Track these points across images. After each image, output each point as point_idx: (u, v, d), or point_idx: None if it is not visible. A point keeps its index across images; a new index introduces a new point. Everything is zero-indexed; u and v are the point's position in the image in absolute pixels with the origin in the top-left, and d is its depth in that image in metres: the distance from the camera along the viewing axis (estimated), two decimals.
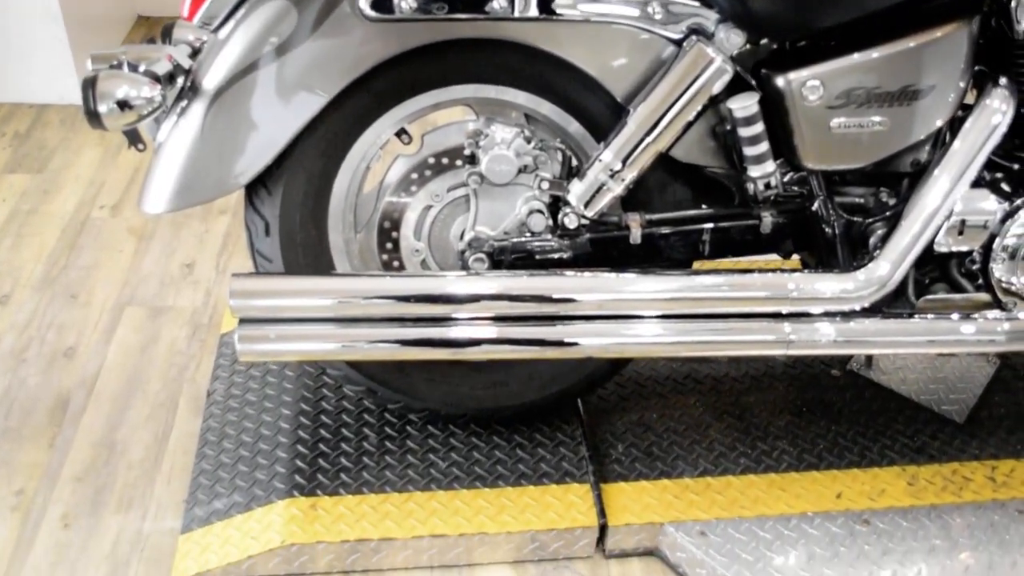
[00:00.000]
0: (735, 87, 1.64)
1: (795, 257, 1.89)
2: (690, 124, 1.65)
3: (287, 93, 1.60)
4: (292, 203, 1.70)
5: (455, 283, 1.66)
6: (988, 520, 1.85)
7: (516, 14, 1.59)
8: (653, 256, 1.75)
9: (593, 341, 1.69)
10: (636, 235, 1.72)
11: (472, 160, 1.71)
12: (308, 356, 1.79)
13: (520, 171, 1.70)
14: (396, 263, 1.82)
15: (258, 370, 2.13)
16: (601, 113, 1.70)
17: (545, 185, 1.71)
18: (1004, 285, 1.76)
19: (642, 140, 1.63)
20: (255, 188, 1.70)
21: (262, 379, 2.10)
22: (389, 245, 1.80)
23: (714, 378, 2.14)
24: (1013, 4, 1.63)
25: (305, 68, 1.58)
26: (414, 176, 1.77)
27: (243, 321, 1.63)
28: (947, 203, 1.68)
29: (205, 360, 2.28)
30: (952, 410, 2.09)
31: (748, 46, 1.64)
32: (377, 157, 1.76)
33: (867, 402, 2.10)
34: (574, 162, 1.78)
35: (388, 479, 1.86)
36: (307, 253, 1.75)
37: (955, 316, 1.77)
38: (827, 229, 1.75)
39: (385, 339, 1.67)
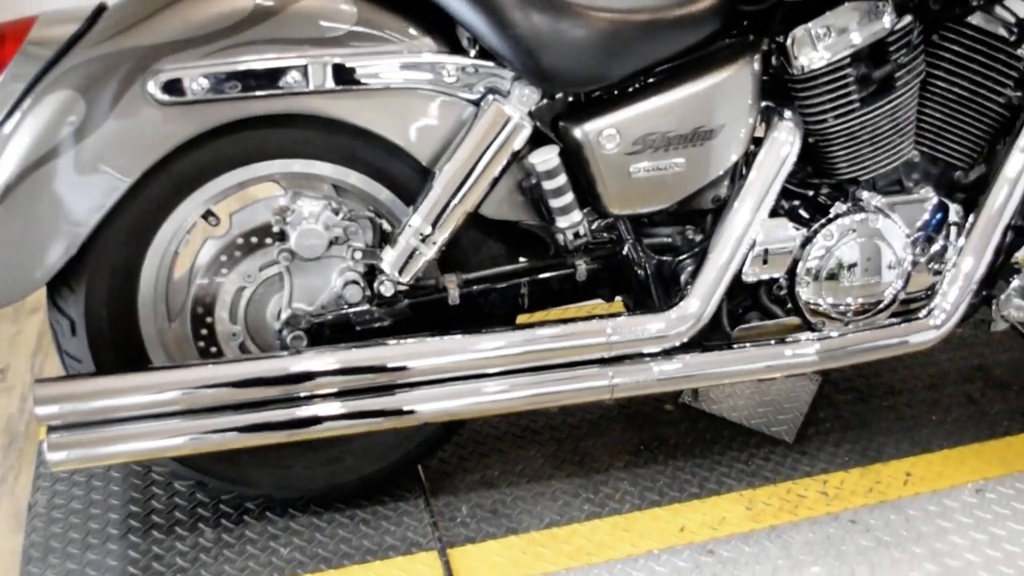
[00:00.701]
0: (537, 141, 1.67)
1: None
2: (496, 181, 1.67)
3: (82, 185, 1.54)
4: (97, 299, 1.64)
5: (277, 364, 1.63)
6: (824, 534, 1.92)
7: (311, 87, 1.57)
8: (474, 314, 1.76)
9: (423, 407, 1.68)
10: (454, 296, 1.72)
11: (281, 237, 1.69)
12: (128, 457, 1.72)
13: (331, 243, 1.68)
14: (214, 349, 1.76)
15: (82, 475, 2.02)
16: (409, 178, 1.70)
17: (358, 255, 1.69)
18: (811, 307, 1.84)
19: (449, 202, 1.64)
20: (56, 286, 1.63)
21: (87, 484, 2.00)
22: (204, 332, 1.75)
23: (552, 427, 2.15)
24: (788, 43, 1.72)
25: (99, 158, 1.53)
26: (224, 258, 1.72)
27: (52, 429, 1.55)
28: (749, 234, 1.75)
29: (24, 471, 2.15)
30: (782, 430, 2.16)
31: (545, 100, 1.67)
32: (185, 242, 1.71)
33: (701, 432, 2.15)
34: (387, 229, 1.77)
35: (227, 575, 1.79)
36: (118, 349, 1.68)
37: (770, 342, 1.84)
38: (639, 271, 1.79)
39: (209, 430, 1.62)
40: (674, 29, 1.65)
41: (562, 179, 1.66)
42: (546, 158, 1.64)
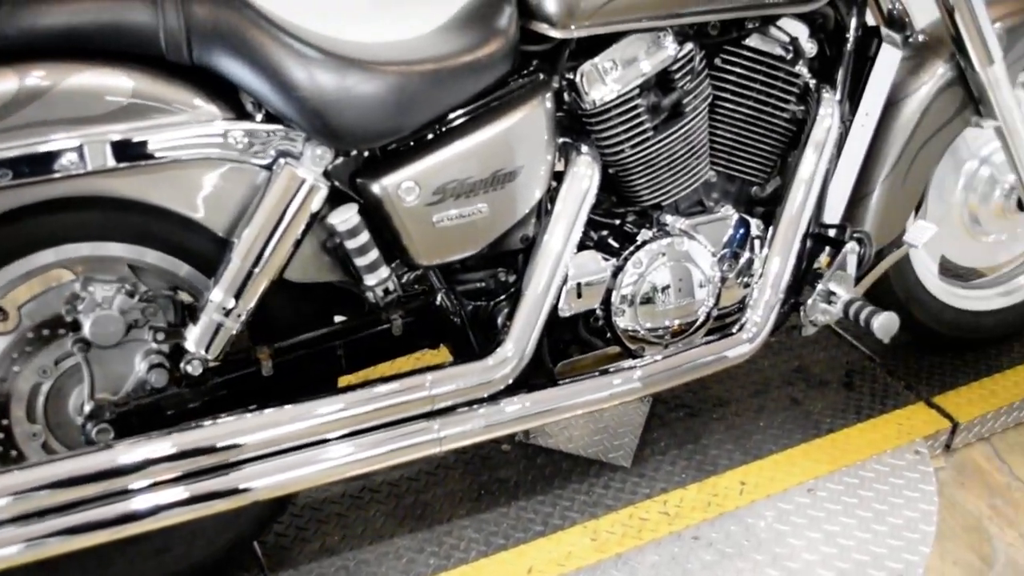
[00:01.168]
0: (337, 200, 1.63)
1: None
2: (298, 244, 1.62)
3: None
4: None
5: (85, 461, 1.54)
6: (669, 554, 1.94)
7: (91, 168, 1.49)
8: (293, 383, 1.70)
9: (250, 485, 1.62)
10: (268, 367, 1.66)
11: (75, 326, 1.59)
12: None
13: (130, 327, 1.60)
14: (14, 453, 1.65)
15: None
16: (208, 251, 1.64)
17: (160, 336, 1.62)
18: (630, 334, 1.86)
19: (250, 272, 1.59)
20: None
21: None
22: (1, 435, 1.63)
23: (390, 483, 2.11)
24: (578, 79, 1.74)
25: None
26: (16, 354, 1.62)
27: None
28: (559, 270, 1.75)
29: None
30: (619, 455, 2.18)
31: (340, 158, 1.63)
32: None
33: (540, 469, 2.15)
34: (192, 304, 1.70)
35: None
36: None
37: (594, 373, 1.85)
38: (456, 319, 1.78)
39: (17, 540, 1.51)
40: (461, 77, 1.64)
41: (365, 237, 1.63)
42: (345, 217, 1.61)
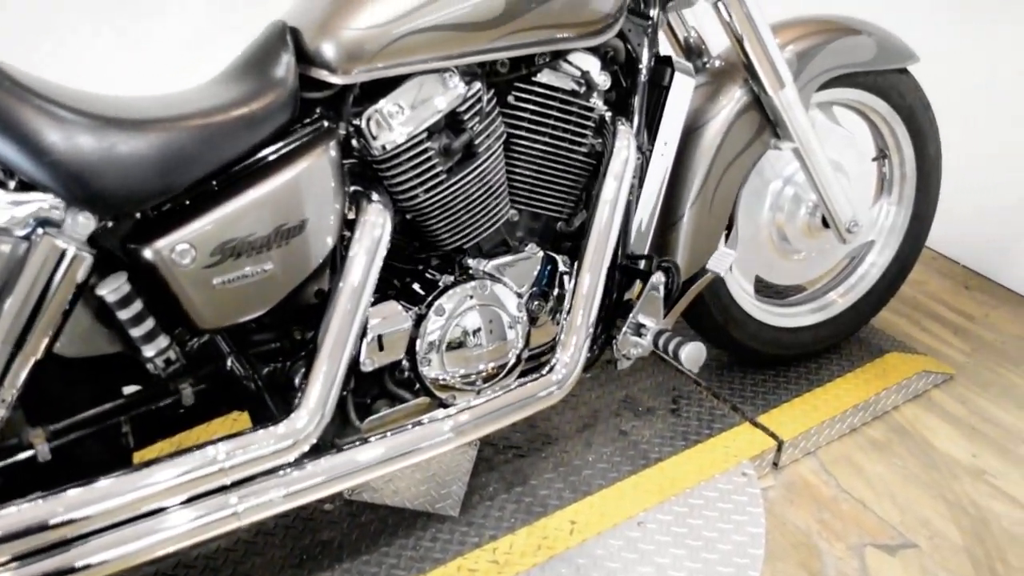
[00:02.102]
0: (108, 266, 1.53)
1: None
2: (67, 317, 1.51)
3: None
4: None
5: None
6: None
7: None
8: (78, 466, 1.58)
9: None
10: (44, 451, 1.54)
11: None
12: None
13: None
14: None
15: None
16: None
17: None
18: (438, 383, 1.81)
19: (13, 353, 1.46)
20: None
21: None
22: None
23: (206, 556, 2.00)
24: (363, 124, 1.68)
25: None
26: None
27: None
28: (357, 323, 1.68)
29: None
30: (446, 505, 2.12)
31: (108, 222, 1.53)
32: None
33: (365, 527, 2.07)
34: None
35: None
36: None
37: (405, 427, 1.78)
38: (250, 383, 1.69)
39: None
40: (234, 130, 1.56)
41: (138, 305, 1.53)
42: (115, 286, 1.50)
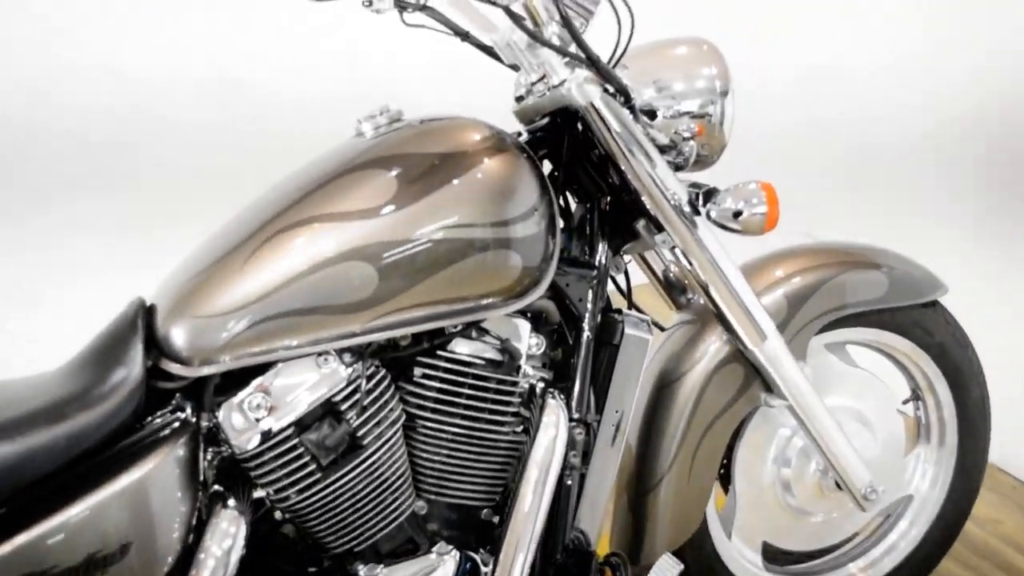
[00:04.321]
0: None
1: None
2: None
3: None
4: None
5: None
6: None
7: None
8: None
9: None
10: None
11: None
12: None
13: None
14: None
15: None
16: None
17: None
18: None
19: None
20: None
21: None
22: None
23: None
24: (221, 419, 1.46)
25: None
26: None
27: None
28: None
29: None
30: None
31: None
32: None
33: None
34: None
35: None
36: None
37: None
38: None
39: None
40: (52, 433, 1.35)
41: None
42: None
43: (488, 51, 1.80)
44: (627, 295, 1.87)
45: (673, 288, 2.00)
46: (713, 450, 1.89)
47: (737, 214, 1.65)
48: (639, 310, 1.89)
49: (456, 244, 1.50)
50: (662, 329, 2.00)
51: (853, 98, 6.37)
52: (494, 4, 1.54)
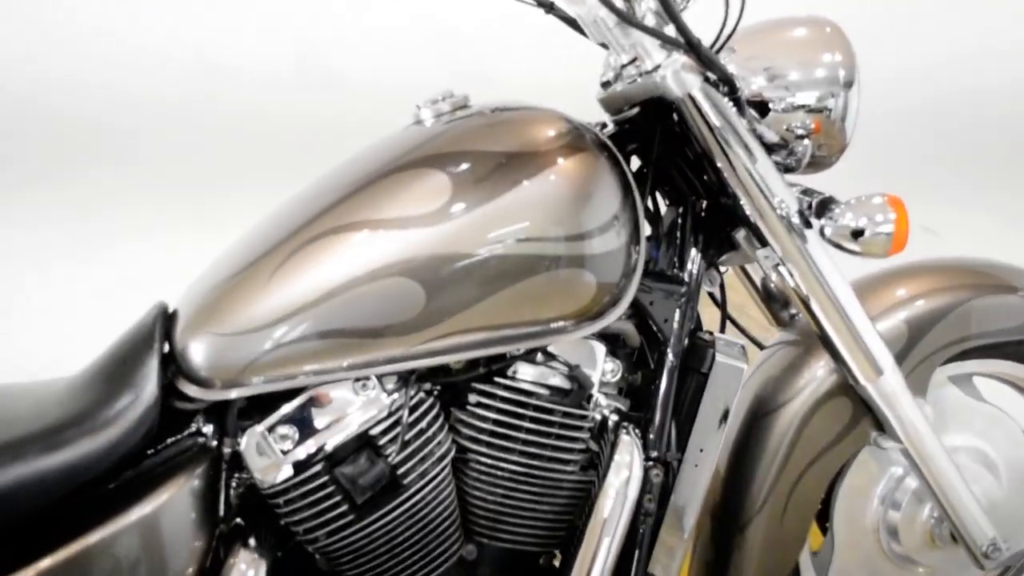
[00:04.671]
0: None
1: None
2: None
3: None
4: None
5: None
6: None
7: None
8: None
9: None
10: None
11: None
12: None
13: None
14: None
15: None
16: None
17: None
18: None
19: None
20: None
21: None
22: None
23: None
24: (244, 448, 1.28)
25: None
26: None
27: None
28: None
29: None
30: None
31: None
32: None
33: None
34: None
35: None
36: None
37: None
38: None
39: None
40: (55, 464, 1.19)
41: None
42: None
43: (575, 25, 1.56)
44: (722, 315, 1.63)
45: (774, 301, 1.75)
46: (811, 492, 1.66)
47: (857, 233, 1.39)
48: (739, 326, 1.66)
49: (522, 260, 1.28)
50: (761, 347, 1.76)
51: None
52: None
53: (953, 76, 5.87)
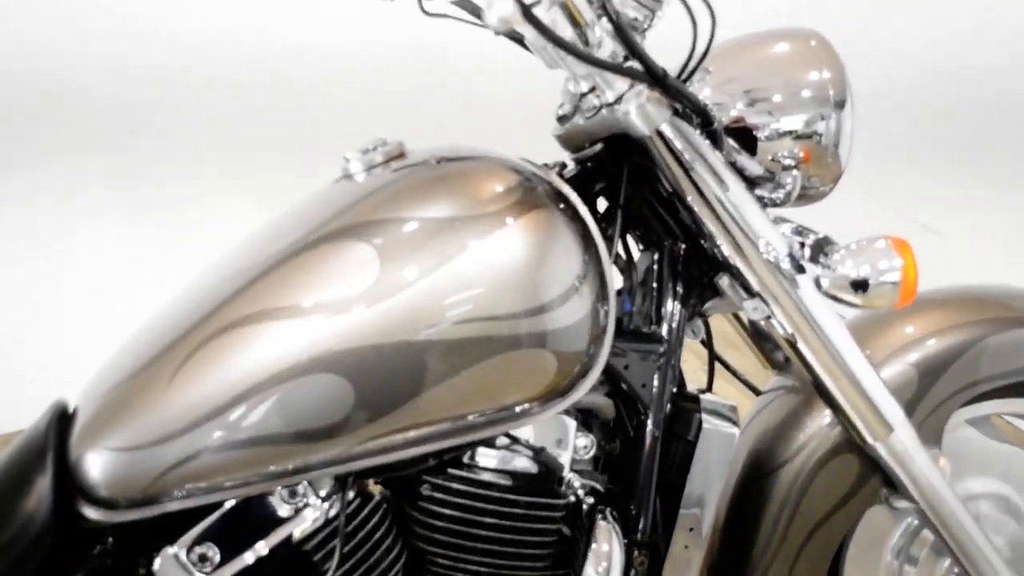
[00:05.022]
0: None
1: None
2: None
3: None
4: None
5: None
6: None
7: None
8: None
9: None
10: None
11: None
12: None
13: None
14: None
15: None
16: None
17: None
18: None
19: None
20: None
21: None
22: None
23: None
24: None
25: None
26: None
27: None
28: None
29: None
30: None
31: None
32: None
33: None
34: None
35: None
36: None
37: None
38: None
39: None
40: None
41: None
42: None
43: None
44: (710, 367, 1.45)
45: (767, 342, 1.56)
46: (818, 555, 1.48)
47: (859, 285, 1.20)
48: (731, 369, 1.48)
49: (470, 344, 1.10)
50: (757, 393, 1.58)
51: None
52: None
53: (952, 55, 5.68)
